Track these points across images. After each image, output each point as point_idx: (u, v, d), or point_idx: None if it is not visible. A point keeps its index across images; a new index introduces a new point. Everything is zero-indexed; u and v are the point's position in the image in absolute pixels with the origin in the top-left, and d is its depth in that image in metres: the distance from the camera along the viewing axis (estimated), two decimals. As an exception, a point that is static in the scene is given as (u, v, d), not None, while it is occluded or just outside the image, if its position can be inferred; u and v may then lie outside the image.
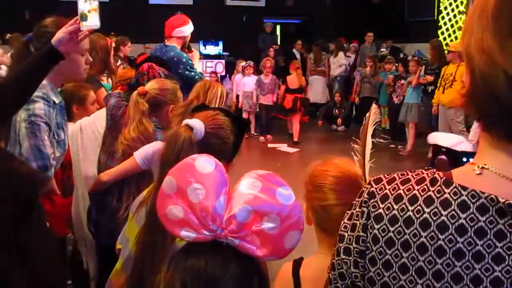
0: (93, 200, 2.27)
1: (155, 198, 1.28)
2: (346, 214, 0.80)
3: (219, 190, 0.97)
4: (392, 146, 7.73)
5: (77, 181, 2.52)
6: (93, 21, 1.78)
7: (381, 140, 8.10)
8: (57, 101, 2.04)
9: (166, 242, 1.22)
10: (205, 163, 1.00)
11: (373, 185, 0.77)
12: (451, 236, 0.67)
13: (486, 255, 0.65)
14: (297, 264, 1.36)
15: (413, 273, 0.69)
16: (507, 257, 0.65)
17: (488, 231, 0.66)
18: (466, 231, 0.67)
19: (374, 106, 1.56)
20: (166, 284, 0.99)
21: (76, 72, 2.05)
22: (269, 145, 7.96)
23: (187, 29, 3.75)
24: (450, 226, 0.67)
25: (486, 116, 0.68)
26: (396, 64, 7.98)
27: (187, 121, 1.31)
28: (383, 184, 0.76)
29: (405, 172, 0.76)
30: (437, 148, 0.74)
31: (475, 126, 6.04)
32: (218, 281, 0.93)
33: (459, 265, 0.67)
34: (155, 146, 2.04)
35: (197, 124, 1.30)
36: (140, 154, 2.05)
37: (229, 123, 1.41)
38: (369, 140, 1.44)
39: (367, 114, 1.51)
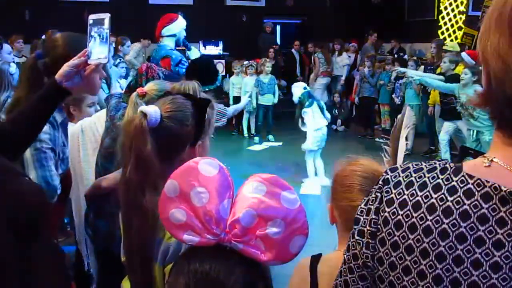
0: (91, 203, 2.25)
1: (121, 190, 1.28)
2: (363, 200, 0.84)
3: (223, 193, 0.96)
4: (383, 146, 7.70)
5: (78, 183, 2.51)
6: (101, 54, 1.59)
7: (381, 140, 8.10)
8: (59, 120, 1.96)
9: (141, 231, 1.21)
10: (208, 166, 0.99)
11: (389, 172, 0.82)
12: (454, 221, 0.71)
13: (487, 240, 0.69)
14: (315, 259, 1.37)
15: (418, 254, 0.73)
16: (507, 243, 0.68)
17: (490, 217, 0.69)
18: (469, 217, 0.70)
19: (407, 109, 1.57)
20: (170, 286, 0.98)
21: (92, 90, 1.81)
22: (267, 145, 7.99)
23: (175, 26, 3.77)
24: (455, 211, 0.71)
25: (499, 117, 0.72)
26: (396, 64, 7.99)
27: (141, 107, 1.28)
28: (398, 172, 0.81)
29: (419, 162, 0.81)
30: (464, 149, 0.75)
31: None
32: (222, 284, 0.92)
33: (461, 249, 0.70)
34: None
35: (152, 110, 1.27)
36: None
37: (188, 106, 1.37)
38: (402, 143, 1.45)
39: (399, 116, 1.52)
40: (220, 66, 9.89)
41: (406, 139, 1.51)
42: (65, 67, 1.57)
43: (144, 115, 1.25)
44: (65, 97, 1.60)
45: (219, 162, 1.00)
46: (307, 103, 5.42)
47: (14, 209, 1.05)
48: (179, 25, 3.80)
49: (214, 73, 3.11)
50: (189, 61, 3.97)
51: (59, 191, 1.96)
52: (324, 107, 5.55)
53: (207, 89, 2.92)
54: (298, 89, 5.63)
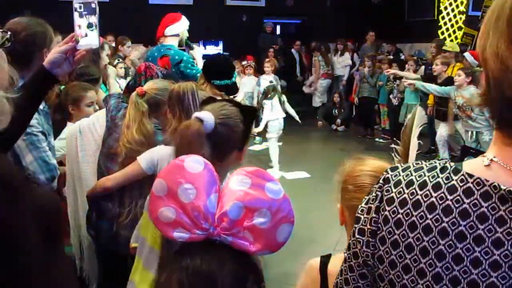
0: (93, 204, 2.24)
1: None
2: (364, 199, 0.85)
3: (209, 188, 0.99)
4: (392, 146, 7.70)
5: (76, 184, 2.50)
6: (91, 39, 1.56)
7: (381, 140, 8.10)
8: (41, 107, 1.95)
9: None
10: (194, 163, 1.01)
11: (389, 172, 0.83)
12: (454, 219, 0.71)
13: (487, 239, 0.69)
14: (325, 260, 1.39)
15: (418, 253, 0.73)
16: (506, 242, 0.68)
17: (490, 216, 0.69)
18: (469, 215, 0.71)
19: (419, 109, 1.57)
20: (163, 285, 1.00)
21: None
22: (267, 145, 7.98)
23: (179, 26, 3.73)
24: (454, 210, 0.72)
25: (498, 117, 0.72)
26: (393, 65, 7.99)
27: (196, 113, 1.35)
28: (398, 171, 0.81)
29: (419, 162, 0.82)
30: (466, 148, 0.76)
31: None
32: (214, 279, 0.94)
33: (461, 247, 0.70)
34: (160, 151, 2.02)
35: (207, 115, 1.33)
36: (145, 159, 2.02)
37: (237, 113, 1.44)
38: (414, 142, 1.46)
39: (409, 116, 1.53)
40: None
41: (418, 138, 1.52)
42: (53, 54, 1.52)
43: (200, 120, 1.31)
44: (54, 84, 1.56)
45: (204, 159, 1.03)
46: (269, 96, 6.08)
47: (43, 215, 1.04)
48: (182, 25, 3.77)
49: (231, 68, 3.14)
50: (195, 60, 3.96)
51: (58, 172, 1.94)
52: (285, 100, 6.28)
53: (224, 84, 2.93)
54: (265, 81, 6.57)
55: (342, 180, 1.40)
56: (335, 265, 1.35)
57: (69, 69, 1.58)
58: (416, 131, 1.49)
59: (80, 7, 1.57)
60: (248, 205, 0.96)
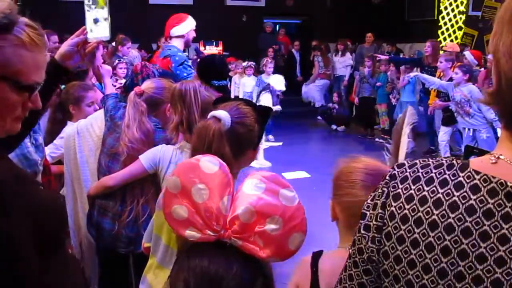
0: (94, 203, 2.25)
1: None
2: (369, 196, 0.85)
3: (223, 190, 0.98)
4: (385, 145, 7.70)
5: (75, 185, 2.50)
6: (103, 31, 1.59)
7: (381, 140, 8.10)
8: None
9: None
10: (209, 163, 1.01)
11: (396, 168, 0.83)
12: (460, 215, 0.72)
13: (492, 235, 0.69)
14: (316, 256, 1.39)
15: (423, 248, 0.74)
16: (511, 238, 0.68)
17: (496, 213, 0.69)
18: (475, 212, 0.71)
19: (409, 108, 1.58)
20: (170, 283, 1.00)
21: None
22: (267, 145, 7.99)
23: (184, 27, 3.71)
24: (461, 206, 0.72)
25: (508, 117, 0.72)
26: (391, 65, 7.99)
27: (213, 113, 1.34)
28: (405, 168, 0.81)
29: (426, 159, 0.82)
30: (469, 148, 0.76)
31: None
32: (220, 280, 0.93)
33: (466, 243, 0.70)
34: (162, 149, 2.02)
35: (224, 114, 1.33)
36: (147, 158, 2.02)
37: (252, 112, 1.44)
38: (404, 140, 1.46)
39: (401, 115, 1.54)
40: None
41: (409, 136, 1.53)
42: (65, 46, 1.54)
43: (218, 119, 1.30)
44: (65, 76, 1.56)
45: (219, 159, 1.02)
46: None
47: (40, 222, 0.99)
48: (188, 26, 3.75)
49: (227, 69, 3.14)
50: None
51: (40, 168, 1.93)
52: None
53: (222, 85, 2.94)
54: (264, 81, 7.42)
55: (335, 176, 1.41)
56: (326, 260, 1.35)
57: (80, 61, 1.59)
58: (406, 130, 1.50)
59: (89, 0, 1.59)
60: (261, 210, 0.95)
